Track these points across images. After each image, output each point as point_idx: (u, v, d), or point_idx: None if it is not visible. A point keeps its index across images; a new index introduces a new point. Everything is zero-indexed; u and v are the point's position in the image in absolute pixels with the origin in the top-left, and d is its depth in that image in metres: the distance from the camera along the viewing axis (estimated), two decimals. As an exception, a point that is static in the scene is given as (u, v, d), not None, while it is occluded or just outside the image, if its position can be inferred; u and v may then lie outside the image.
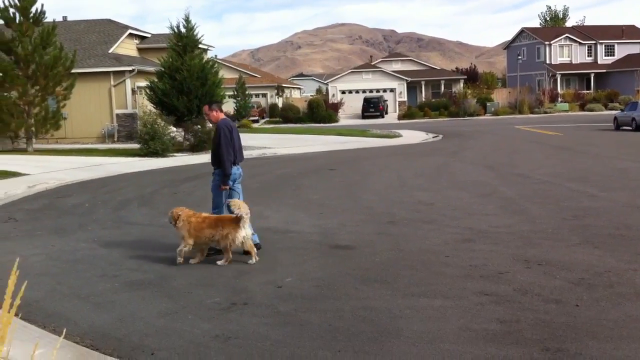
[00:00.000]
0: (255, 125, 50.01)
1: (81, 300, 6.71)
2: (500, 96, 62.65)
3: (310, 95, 74.96)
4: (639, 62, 63.13)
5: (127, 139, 30.21)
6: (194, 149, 25.96)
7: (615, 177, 15.44)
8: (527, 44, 70.92)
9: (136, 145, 25.42)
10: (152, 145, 23.94)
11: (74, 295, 6.94)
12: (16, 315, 2.41)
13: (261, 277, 7.38)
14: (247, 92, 52.50)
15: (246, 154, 25.56)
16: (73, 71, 26.94)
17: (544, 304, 6.10)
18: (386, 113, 61.33)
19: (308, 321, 5.83)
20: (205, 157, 23.92)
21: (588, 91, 64.60)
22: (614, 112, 44.74)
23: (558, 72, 65.76)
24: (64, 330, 4.42)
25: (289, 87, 73.46)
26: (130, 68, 30.39)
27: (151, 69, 30.19)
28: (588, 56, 68.44)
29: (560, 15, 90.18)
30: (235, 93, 50.68)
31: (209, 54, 37.04)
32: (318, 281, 7.11)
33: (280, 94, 65.16)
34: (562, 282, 6.77)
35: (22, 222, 11.69)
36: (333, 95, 64.83)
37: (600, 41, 68.21)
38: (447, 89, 67.51)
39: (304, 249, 8.79)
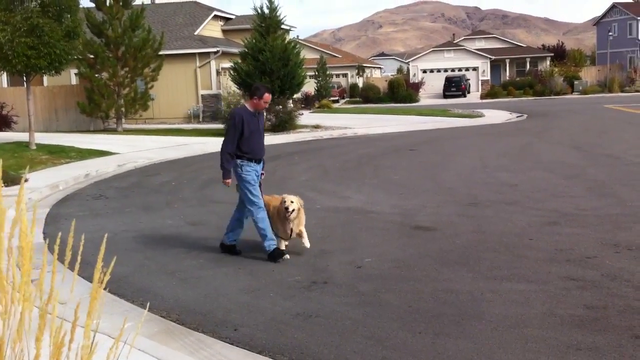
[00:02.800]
0: (336, 105, 50.06)
1: (168, 276, 6.96)
2: (588, 74, 60.19)
3: (391, 75, 74.35)
4: None
5: (211, 119, 30.84)
6: (275, 129, 26.25)
7: None
8: (618, 19, 67.64)
9: (220, 126, 25.90)
10: (235, 126, 24.31)
11: (161, 271, 7.20)
12: (105, 289, 2.52)
13: (341, 257, 7.43)
14: (327, 72, 52.56)
15: (327, 134, 25.96)
16: (160, 53, 27.72)
17: (633, 291, 5.88)
18: (468, 92, 60.08)
19: (388, 302, 5.84)
20: (287, 137, 24.23)
21: (686, 68, 61.08)
22: None
23: (652, 49, 62.48)
24: (148, 304, 4.60)
25: (369, 67, 73.02)
26: (214, 49, 30.95)
27: (235, 50, 30.63)
28: (685, 31, 64.67)
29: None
30: (317, 73, 50.84)
31: (291, 35, 37.27)
32: (398, 262, 7.10)
33: (361, 73, 64.87)
34: (654, 269, 6.50)
35: (112, 199, 12.18)
36: (414, 75, 64.04)
37: None
38: (532, 67, 65.44)
39: (384, 229, 8.78)
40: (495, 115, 34.07)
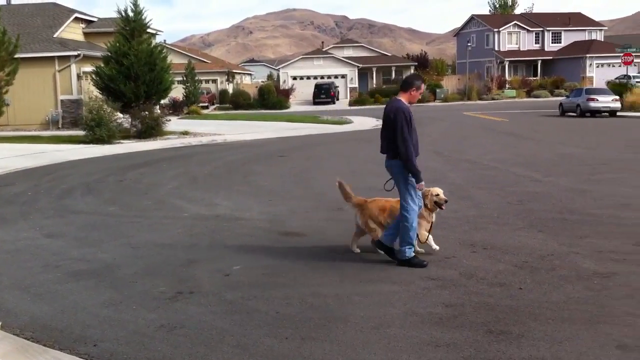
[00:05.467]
0: (205, 111, 49.47)
1: (22, 291, 6.52)
2: (449, 83, 63.42)
3: (261, 81, 74.50)
4: (585, 49, 64.64)
5: (72, 126, 29.46)
6: (142, 135, 25.52)
7: (559, 163, 15.79)
8: (476, 30, 71.83)
9: (81, 132, 24.81)
10: (98, 132, 23.41)
11: (15, 286, 6.74)
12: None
13: (208, 265, 7.30)
14: (196, 78, 51.78)
15: (195, 140, 25.54)
16: (16, 56, 26.08)
17: (488, 288, 6.20)
18: (337, 99, 61.40)
19: (255, 309, 5.79)
20: (154, 144, 23.60)
21: (535, 78, 65.84)
22: (559, 98, 45.75)
23: (506, 59, 66.84)
24: (0, 323, 4.29)
25: (239, 73, 72.81)
26: (75, 53, 29.62)
27: (98, 54, 29.49)
28: (535, 43, 69.75)
29: (509, 3, 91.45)
30: (185, 79, 49.99)
31: (158, 39, 36.40)
32: (266, 269, 7.07)
33: (231, 79, 64.53)
34: (507, 266, 6.89)
35: (-39, 211, 11.30)
36: (284, 82, 64.55)
37: (548, 28, 69.58)
38: (398, 75, 67.88)
39: (253, 236, 8.74)
40: (363, 122, 35.03)
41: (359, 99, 58.13)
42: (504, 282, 6.35)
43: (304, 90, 62.22)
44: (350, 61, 66.36)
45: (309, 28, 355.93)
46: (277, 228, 9.20)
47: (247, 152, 20.67)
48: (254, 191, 12.75)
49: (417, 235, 7.29)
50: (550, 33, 69.67)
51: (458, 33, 78.18)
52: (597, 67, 63.77)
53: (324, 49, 75.20)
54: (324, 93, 59.38)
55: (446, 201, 7.51)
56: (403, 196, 7.09)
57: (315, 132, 28.96)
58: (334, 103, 59.17)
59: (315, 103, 58.83)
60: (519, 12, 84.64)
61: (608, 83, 42.43)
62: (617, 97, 34.20)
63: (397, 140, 6.94)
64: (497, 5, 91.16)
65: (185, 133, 27.40)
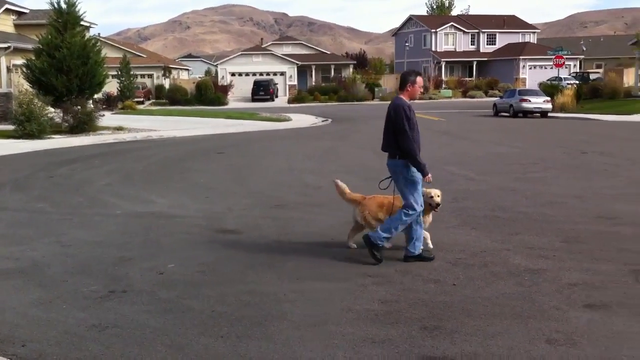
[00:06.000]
0: (141, 106, 48.51)
1: (-56, 292, 6.24)
2: (388, 82, 64.10)
3: (199, 77, 73.61)
4: (518, 51, 66.49)
5: (1, 120, 28.41)
6: (74, 130, 24.81)
7: (492, 161, 16.17)
8: (414, 31, 72.93)
9: (11, 127, 23.96)
10: (28, 127, 22.63)
11: (-64, 286, 6.44)
12: None
13: (142, 263, 7.15)
14: (131, 73, 50.78)
15: (130, 136, 25.02)
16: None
17: (423, 284, 6.28)
18: (276, 96, 61.25)
19: (190, 307, 5.71)
20: (86, 139, 22.99)
21: (470, 78, 67.31)
22: (493, 99, 46.88)
23: (443, 60, 68.11)
24: None
25: (176, 68, 71.72)
26: (5, 45, 28.54)
27: (29, 46, 28.52)
28: (471, 44, 71.34)
29: (446, 4, 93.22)
30: (119, 73, 48.95)
31: (92, 32, 35.52)
32: (202, 267, 6.98)
33: (167, 75, 63.50)
34: (441, 263, 7.00)
35: None
36: (222, 78, 63.99)
37: (483, 30, 71.26)
38: (337, 73, 68.27)
39: (189, 234, 8.61)
40: (301, 119, 35.04)
41: (298, 97, 58.15)
42: (438, 278, 6.45)
43: (243, 87, 61.81)
44: (289, 58, 66.30)
45: (248, 24, 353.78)
46: (213, 226, 9.09)
47: (183, 149, 20.38)
48: (190, 188, 12.57)
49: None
50: (486, 35, 71.39)
51: (396, 33, 79.21)
52: (530, 68, 65.70)
53: (263, 46, 74.85)
54: (262, 90, 59.13)
55: (438, 205, 7.40)
56: (404, 195, 7.03)
57: (253, 129, 28.80)
58: (272, 100, 59.00)
59: (254, 100, 58.52)
60: (455, 14, 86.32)
61: (540, 84, 43.71)
62: (549, 99, 35.28)
63: (398, 136, 6.92)
64: (435, 7, 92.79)
65: (120, 128, 26.79)
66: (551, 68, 52.19)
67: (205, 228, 8.95)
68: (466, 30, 70.85)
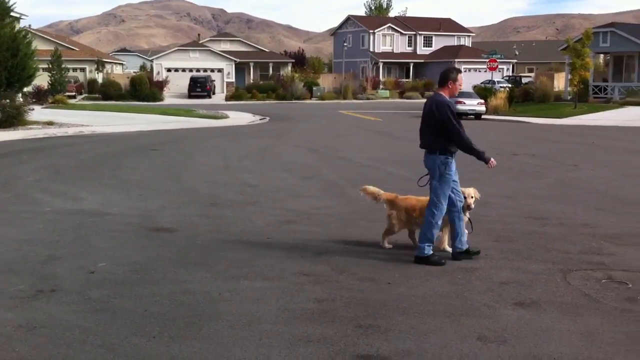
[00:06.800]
0: (72, 101, 47.21)
1: None
2: (326, 81, 64.36)
3: (134, 72, 72.15)
4: (454, 54, 67.78)
5: None
6: (2, 124, 23.90)
7: (427, 161, 16.40)
8: (352, 31, 73.39)
9: None
10: (-47, 121, 21.76)
11: None
12: None
13: (72, 262, 6.94)
14: (63, 66, 49.39)
15: (61, 131, 24.31)
16: None
17: (359, 283, 6.31)
18: (213, 93, 60.60)
19: (122, 307, 5.56)
20: (15, 134, 22.20)
21: (407, 80, 68.28)
22: (428, 100, 47.50)
23: (381, 60, 68.81)
24: None
25: (110, 62, 70.18)
26: None
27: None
28: (408, 46, 72.30)
29: (384, 5, 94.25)
30: (50, 66, 47.53)
31: (22, 23, 34.34)
32: (134, 265, 6.82)
33: (101, 69, 62.03)
34: (377, 261, 7.06)
35: None
36: (158, 73, 62.88)
37: (420, 32, 72.34)
38: (275, 71, 68.08)
39: (121, 232, 8.41)
40: (239, 117, 34.80)
41: (235, 94, 57.70)
42: (374, 277, 6.49)
43: (179, 83, 60.90)
44: (227, 55, 65.74)
45: (185, 19, 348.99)
46: (146, 224, 8.91)
47: (117, 145, 19.93)
48: (123, 185, 12.29)
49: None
50: (422, 37, 72.50)
51: (335, 32, 79.54)
52: (465, 71, 66.90)
53: (200, 42, 73.97)
54: (199, 86, 58.40)
55: (470, 207, 7.39)
56: (435, 192, 7.04)
57: (189, 126, 28.44)
58: (210, 97, 58.36)
59: (190, 96, 57.74)
60: (393, 15, 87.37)
61: (474, 87, 44.65)
62: (483, 101, 36.12)
63: (449, 132, 6.92)
64: (373, 7, 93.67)
65: (50, 123, 25.97)
66: (485, 71, 53.50)
67: (138, 226, 8.76)
68: (403, 32, 71.80)
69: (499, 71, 55.61)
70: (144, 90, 51.90)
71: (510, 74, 67.54)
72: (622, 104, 37.98)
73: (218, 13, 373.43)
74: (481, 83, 50.70)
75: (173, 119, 31.71)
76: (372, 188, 7.93)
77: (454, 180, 7.14)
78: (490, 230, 8.63)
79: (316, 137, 23.26)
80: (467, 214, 7.45)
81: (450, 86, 7.12)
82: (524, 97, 43.07)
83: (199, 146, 20.03)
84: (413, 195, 7.80)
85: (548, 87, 44.08)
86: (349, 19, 75.58)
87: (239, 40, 78.56)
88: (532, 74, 68.12)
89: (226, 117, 34.73)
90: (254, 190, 11.92)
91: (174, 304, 5.68)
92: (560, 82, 51.02)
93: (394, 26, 71.77)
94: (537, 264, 7.02)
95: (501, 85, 49.72)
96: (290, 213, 9.68)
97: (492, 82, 46.98)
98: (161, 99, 52.97)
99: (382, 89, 62.89)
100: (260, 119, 33.80)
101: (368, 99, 58.48)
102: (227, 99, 57.55)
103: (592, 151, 19.24)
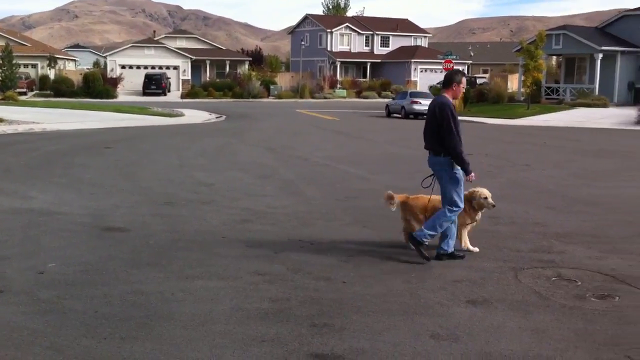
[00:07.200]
0: (23, 97, 46.14)
1: None
2: (283, 80, 64.22)
3: (87, 69, 70.88)
4: (410, 54, 68.42)
5: None
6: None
7: (384, 161, 16.54)
8: (310, 30, 73.40)
9: None
10: None
11: None
12: None
13: (21, 262, 6.76)
14: (14, 62, 48.15)
15: (10, 128, 23.75)
16: None
17: (314, 282, 6.30)
18: (169, 91, 59.96)
19: (72, 308, 5.45)
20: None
21: (364, 79, 68.61)
22: (386, 100, 47.99)
23: (338, 60, 68.98)
24: None
25: (62, 59, 68.71)
26: None
27: None
28: (366, 46, 72.64)
29: (342, 5, 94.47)
30: (1, 62, 46.32)
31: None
32: (85, 266, 6.68)
33: (53, 65, 60.70)
34: (332, 260, 7.06)
35: None
36: (112, 70, 61.87)
37: (377, 32, 72.75)
38: (232, 69, 67.66)
39: (72, 231, 8.23)
40: (195, 115, 34.49)
41: (191, 92, 57.16)
42: (329, 276, 6.49)
43: (134, 80, 60.03)
44: (183, 52, 65.04)
45: (140, 16, 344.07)
46: (98, 223, 8.74)
47: (69, 143, 19.53)
48: (75, 184, 12.05)
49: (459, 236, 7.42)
50: (380, 37, 72.93)
51: (293, 31, 79.40)
52: (421, 71, 67.77)
53: (155, 38, 73.01)
54: (154, 84, 57.70)
55: (494, 206, 7.53)
56: (448, 193, 7.07)
57: (144, 124, 28.04)
58: (165, 95, 57.70)
59: (145, 94, 56.98)
60: (351, 15, 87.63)
61: (430, 87, 45.21)
62: (438, 101, 36.45)
63: (444, 134, 6.95)
64: (331, 7, 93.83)
65: (0, 120, 25.33)
66: (441, 71, 53.92)
67: (90, 226, 8.59)
68: (361, 32, 72.12)
69: (455, 72, 56.16)
70: (97, 87, 51.05)
71: (466, 75, 68.33)
72: (573, 105, 38.89)
73: (174, 10, 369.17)
74: (437, 83, 51.15)
75: (127, 117, 31.23)
76: (389, 195, 7.88)
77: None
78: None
79: (273, 136, 23.19)
80: (479, 215, 7.64)
81: (454, 88, 7.21)
82: (478, 98, 43.73)
83: (154, 144, 19.77)
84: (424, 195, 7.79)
85: (502, 88, 44.85)
86: (306, 17, 75.55)
87: (196, 37, 77.81)
88: (487, 75, 69.17)
89: (182, 115, 34.39)
90: (209, 189, 11.81)
91: (125, 304, 5.58)
92: (514, 83, 52.00)
93: (351, 26, 72.02)
94: (489, 262, 7.12)
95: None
96: (246, 212, 9.63)
97: (447, 82, 47.39)
98: (115, 96, 52.14)
99: (340, 88, 63.06)
100: (216, 118, 33.55)
101: (325, 98, 58.57)
102: (183, 96, 56.98)
103: (544, 151, 19.64)
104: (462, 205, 7.13)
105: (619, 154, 18.97)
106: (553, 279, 6.55)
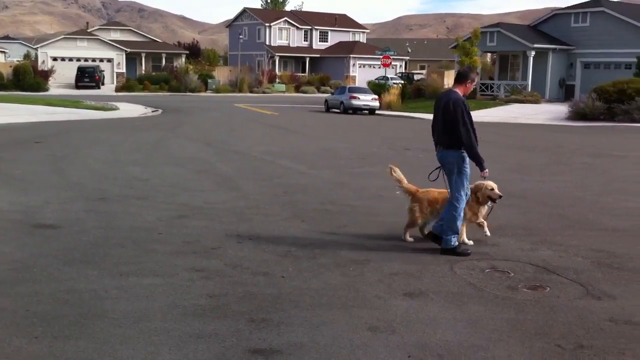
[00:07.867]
0: (-50, 90, 44.29)
1: None
2: (221, 74, 63.58)
3: (17, 61, 68.44)
4: (349, 49, 68.81)
5: None
6: None
7: (323, 156, 16.57)
8: (248, 24, 72.87)
9: None
10: None
11: None
12: None
13: (-55, 261, 6.49)
14: (-61, 52, 46.17)
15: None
16: None
17: (252, 277, 6.26)
18: (103, 84, 58.52)
19: (1, 307, 5.25)
20: None
21: (303, 74, 68.63)
22: (325, 95, 48.14)
23: (277, 54, 68.75)
24: None
25: (-8, 50, 66.21)
26: None
27: None
28: (304, 40, 72.65)
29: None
30: None
31: None
32: (15, 264, 6.46)
33: (-18, 56, 58.44)
34: (271, 255, 7.03)
35: None
36: (43, 62, 59.90)
37: (316, 27, 72.86)
38: (168, 63, 66.58)
39: (1, 228, 7.94)
40: (130, 109, 33.80)
41: (126, 85, 55.97)
42: (267, 271, 6.46)
43: (66, 73, 58.31)
44: (117, 45, 63.57)
45: (73, 7, 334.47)
46: (28, 220, 8.46)
47: (-2, 137, 18.84)
48: (3, 180, 11.63)
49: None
50: (318, 32, 73.06)
51: (230, 24, 78.68)
52: (360, 67, 68.28)
53: (89, 30, 71.12)
54: (87, 77, 56.27)
55: (500, 197, 7.63)
56: (455, 186, 7.21)
57: (76, 118, 27.32)
58: (99, 88, 56.31)
59: (78, 87, 55.49)
60: (289, 9, 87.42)
61: (369, 83, 45.49)
62: (376, 97, 36.91)
63: (458, 130, 7.05)
64: (269, 0, 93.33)
65: None
66: (379, 67, 54.56)
67: (20, 222, 8.31)
68: (299, 26, 72.07)
69: (392, 68, 56.95)
70: (27, 80, 49.44)
71: (403, 71, 69.36)
72: (507, 101, 39.87)
73: (108, 1, 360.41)
74: (375, 79, 51.69)
75: (59, 110, 30.33)
76: (399, 173, 7.94)
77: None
78: (383, 222, 8.82)
79: (211, 130, 22.94)
80: (485, 208, 7.79)
81: (467, 85, 7.33)
82: (415, 94, 44.31)
83: (87, 139, 19.27)
84: (434, 189, 7.84)
85: (439, 84, 45.55)
86: (244, 11, 74.96)
87: (130, 29, 76.15)
88: (424, 71, 70.29)
89: (116, 108, 33.64)
90: (144, 184, 11.59)
91: (57, 302, 5.42)
92: (450, 79, 52.77)
93: (290, 20, 71.89)
94: (426, 254, 7.23)
95: (394, 81, 50.94)
96: (182, 208, 9.49)
97: (385, 78, 48.00)
98: (46, 89, 50.60)
99: (278, 82, 62.87)
100: (152, 111, 32.96)
101: (264, 92, 58.31)
102: (118, 90, 55.74)
103: (480, 146, 20.01)
104: (464, 198, 7.33)
105: (551, 149, 19.55)
106: (487, 270, 6.70)
